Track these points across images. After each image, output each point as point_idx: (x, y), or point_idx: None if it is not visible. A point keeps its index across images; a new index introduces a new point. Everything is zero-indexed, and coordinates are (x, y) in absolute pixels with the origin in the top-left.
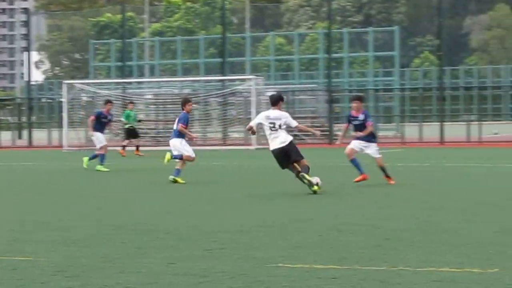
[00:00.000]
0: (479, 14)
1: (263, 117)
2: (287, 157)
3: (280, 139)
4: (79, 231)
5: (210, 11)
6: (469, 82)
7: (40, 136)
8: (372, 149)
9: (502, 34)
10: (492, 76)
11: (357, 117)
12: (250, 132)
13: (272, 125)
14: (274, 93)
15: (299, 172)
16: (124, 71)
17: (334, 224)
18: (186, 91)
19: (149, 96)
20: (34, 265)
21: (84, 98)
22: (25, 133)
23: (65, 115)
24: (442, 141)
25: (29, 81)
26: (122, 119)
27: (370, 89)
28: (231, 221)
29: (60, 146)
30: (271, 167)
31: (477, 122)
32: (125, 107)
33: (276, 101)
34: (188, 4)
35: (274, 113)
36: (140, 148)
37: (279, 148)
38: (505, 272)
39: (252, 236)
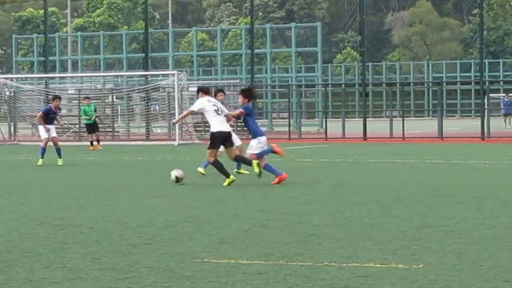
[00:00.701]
0: (400, 10)
1: (204, 101)
2: (226, 141)
3: (226, 125)
4: (2, 225)
5: (132, 6)
6: (392, 78)
7: None
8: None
9: (423, 30)
10: (414, 72)
11: None
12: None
13: (216, 109)
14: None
15: (237, 156)
16: (46, 66)
17: (259, 220)
18: (109, 86)
19: (72, 91)
20: None
21: (7, 93)
22: None
23: None
24: (365, 137)
25: None
26: (82, 115)
27: (293, 84)
28: (157, 216)
29: None
30: (195, 161)
31: (399, 118)
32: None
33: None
34: None
35: (212, 99)
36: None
37: (225, 132)
38: (430, 267)
39: (177, 231)
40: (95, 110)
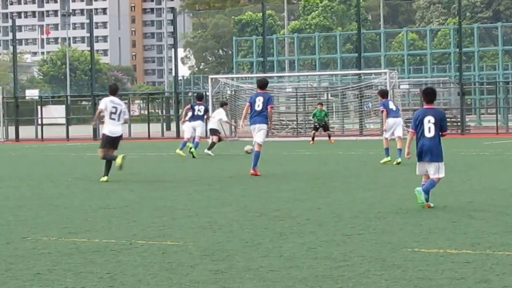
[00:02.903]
0: None
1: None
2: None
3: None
4: (223, 217)
5: (346, 9)
6: None
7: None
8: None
9: None
10: None
11: None
12: None
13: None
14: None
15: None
16: (265, 66)
17: (466, 211)
18: (324, 84)
19: (289, 90)
20: (183, 249)
21: (228, 92)
22: (172, 125)
23: (210, 108)
24: None
25: (176, 76)
26: (311, 117)
27: (501, 81)
28: (369, 208)
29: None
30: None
31: None
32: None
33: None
34: (325, 2)
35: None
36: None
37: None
38: None
39: (388, 222)
40: (326, 115)
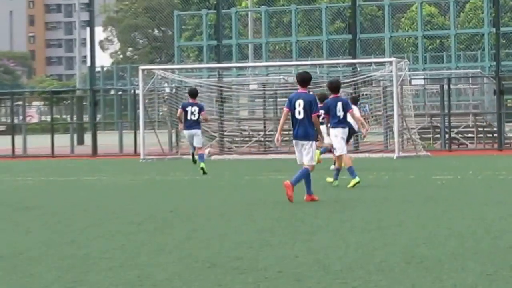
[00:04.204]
0: None
1: None
2: None
3: None
4: (160, 269)
5: None
6: None
7: (108, 140)
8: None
9: None
10: None
11: None
12: None
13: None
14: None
15: None
16: (219, 53)
17: (507, 259)
18: None
19: (254, 87)
20: None
21: (167, 90)
22: (87, 137)
23: (141, 112)
24: None
25: (92, 66)
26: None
27: None
28: (368, 256)
29: (136, 154)
30: (419, 179)
31: None
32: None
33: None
34: None
35: None
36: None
37: None
38: None
39: (395, 276)
40: None
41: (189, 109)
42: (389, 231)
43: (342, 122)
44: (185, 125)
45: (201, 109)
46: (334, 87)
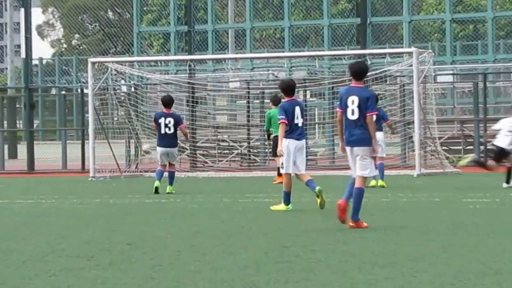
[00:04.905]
0: None
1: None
2: None
3: None
4: None
5: None
6: None
7: (48, 153)
8: None
9: None
10: None
11: None
12: None
13: None
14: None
15: None
16: (191, 42)
17: None
18: (301, 74)
19: (236, 85)
20: None
21: (124, 89)
22: (21, 148)
23: (91, 116)
24: None
25: (28, 59)
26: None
27: None
28: None
29: (85, 171)
30: (447, 204)
31: None
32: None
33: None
34: None
35: None
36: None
37: None
38: None
39: None
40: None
41: (162, 120)
42: (406, 268)
43: (299, 133)
44: (159, 140)
45: (177, 121)
46: (286, 88)
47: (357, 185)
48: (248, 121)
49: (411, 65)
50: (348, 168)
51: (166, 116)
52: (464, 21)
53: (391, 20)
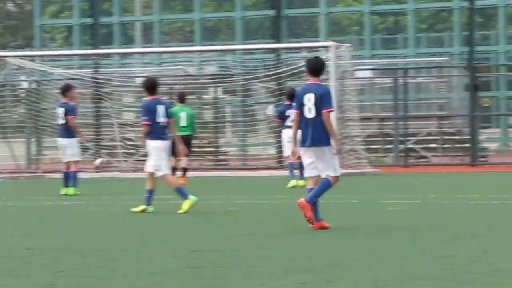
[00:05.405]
0: None
1: None
2: None
3: None
4: None
5: None
6: None
7: None
8: None
9: None
10: None
11: None
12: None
13: None
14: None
15: None
16: (96, 35)
17: None
18: (212, 69)
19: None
20: None
21: (24, 85)
22: None
23: None
24: None
25: None
26: None
27: None
28: None
29: None
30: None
31: None
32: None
33: None
34: None
35: None
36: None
37: None
38: None
39: None
40: (192, 120)
41: (57, 110)
42: (321, 274)
43: (162, 133)
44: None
45: (67, 111)
46: (148, 86)
47: (331, 179)
48: None
49: (328, 60)
50: (260, 168)
51: (60, 105)
52: (384, 13)
53: (307, 12)
